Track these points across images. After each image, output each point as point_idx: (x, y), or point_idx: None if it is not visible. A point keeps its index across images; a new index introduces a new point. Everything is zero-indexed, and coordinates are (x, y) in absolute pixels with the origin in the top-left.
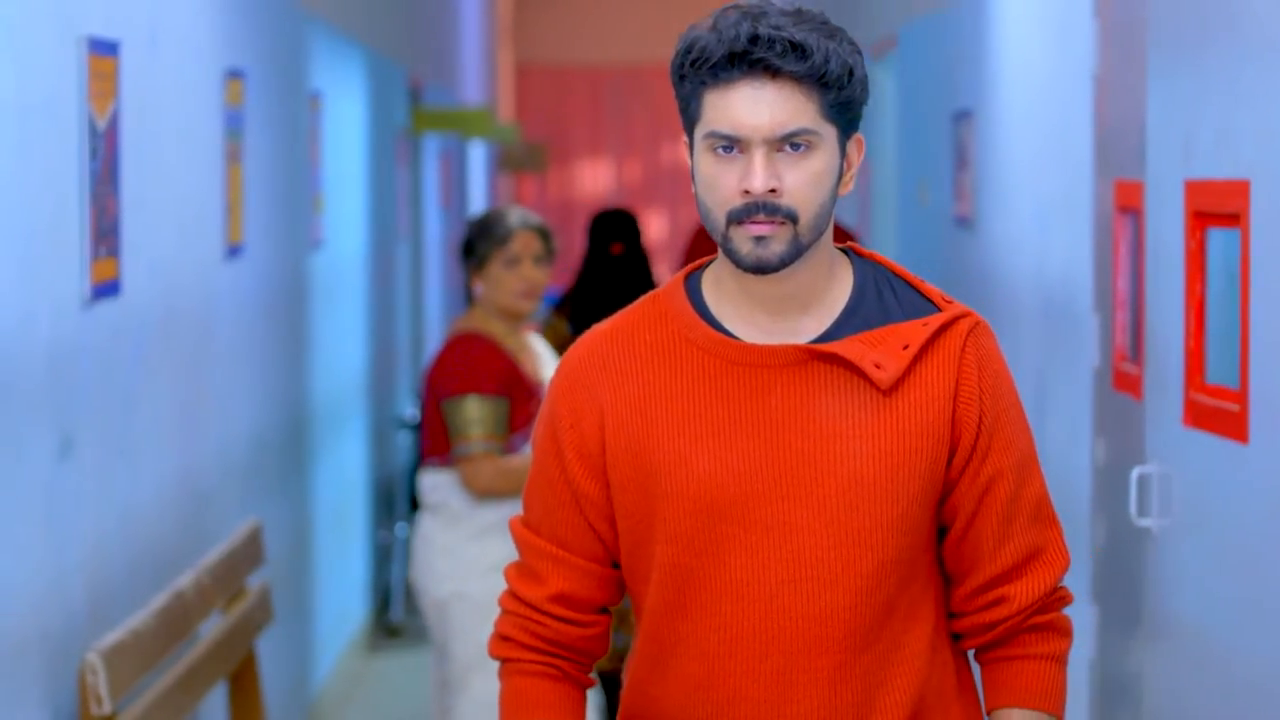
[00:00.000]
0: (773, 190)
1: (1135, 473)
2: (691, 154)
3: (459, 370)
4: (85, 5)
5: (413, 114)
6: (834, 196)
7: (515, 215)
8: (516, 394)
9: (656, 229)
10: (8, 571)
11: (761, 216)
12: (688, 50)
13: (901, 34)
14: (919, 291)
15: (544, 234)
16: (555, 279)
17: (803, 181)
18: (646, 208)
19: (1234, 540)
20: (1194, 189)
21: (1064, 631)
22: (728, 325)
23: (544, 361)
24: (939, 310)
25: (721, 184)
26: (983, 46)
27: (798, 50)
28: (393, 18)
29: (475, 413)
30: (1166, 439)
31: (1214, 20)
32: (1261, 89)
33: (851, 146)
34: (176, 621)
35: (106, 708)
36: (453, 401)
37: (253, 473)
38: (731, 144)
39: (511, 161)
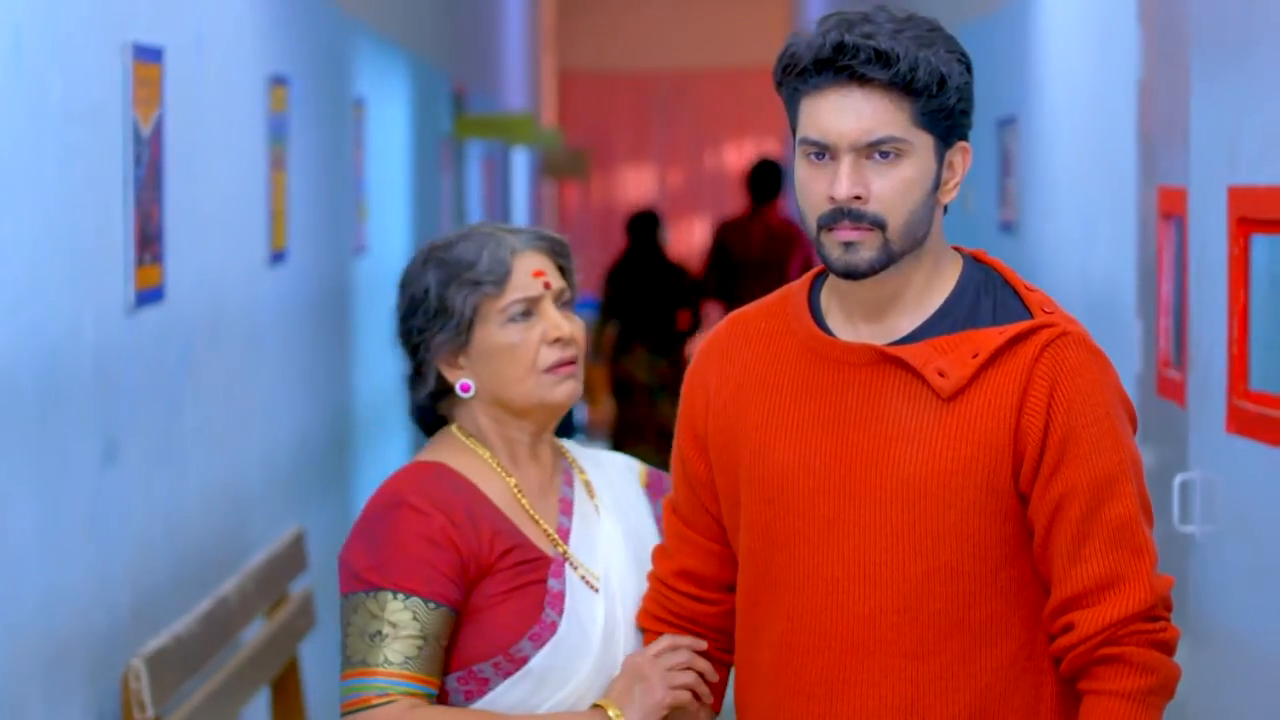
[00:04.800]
0: (858, 197)
1: (1178, 479)
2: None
3: (378, 543)
4: (130, 12)
5: (456, 120)
6: (930, 204)
7: (507, 235)
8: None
9: (699, 235)
10: (53, 576)
11: (847, 223)
12: (782, 57)
13: None
14: (1021, 300)
15: (559, 248)
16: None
17: (890, 189)
18: (690, 214)
19: (1277, 546)
20: (1238, 195)
21: (1142, 667)
22: (829, 321)
23: (585, 490)
24: (1030, 319)
25: (812, 190)
26: (1027, 53)
27: (882, 58)
28: (436, 24)
29: (387, 622)
30: (1210, 445)
31: (1258, 25)
32: None
33: (954, 154)
34: (219, 627)
35: (149, 713)
36: (356, 598)
37: (296, 479)
38: (823, 151)
39: (554, 168)
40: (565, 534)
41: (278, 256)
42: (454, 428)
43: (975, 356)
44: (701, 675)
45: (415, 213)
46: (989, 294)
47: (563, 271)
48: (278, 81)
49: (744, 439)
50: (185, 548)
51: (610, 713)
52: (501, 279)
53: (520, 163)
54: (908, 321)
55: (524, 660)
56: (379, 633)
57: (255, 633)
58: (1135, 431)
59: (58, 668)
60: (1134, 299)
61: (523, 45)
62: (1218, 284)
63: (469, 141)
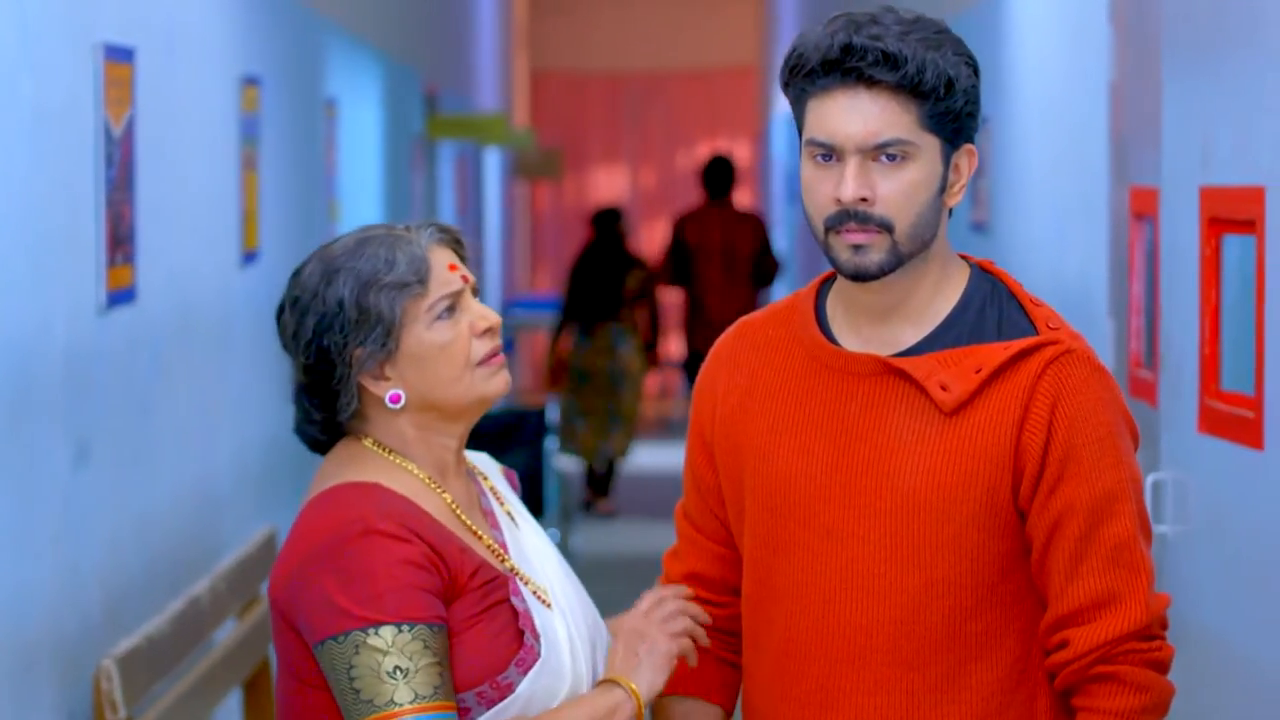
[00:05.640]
0: (864, 200)
1: (1150, 479)
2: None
3: (358, 575)
4: (101, 12)
5: (428, 120)
6: (936, 207)
7: (410, 234)
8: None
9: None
10: (24, 577)
11: (853, 225)
12: (789, 57)
13: None
14: (1026, 314)
15: (459, 238)
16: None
17: (897, 192)
18: (662, 213)
19: (1249, 547)
20: (1209, 195)
21: (1137, 686)
22: (835, 329)
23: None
24: (1035, 335)
25: (819, 192)
26: (999, 53)
27: (890, 60)
28: (408, 24)
29: (402, 655)
30: (1181, 445)
31: (1230, 26)
32: (1277, 95)
33: (960, 157)
34: (191, 628)
35: (121, 714)
36: (353, 637)
37: (267, 480)
38: (829, 152)
39: (527, 168)
40: (504, 547)
41: (249, 257)
42: (368, 442)
43: (978, 371)
44: (694, 620)
45: (387, 213)
46: (995, 307)
47: (463, 261)
48: (249, 82)
49: (748, 446)
50: (157, 548)
51: (622, 685)
52: (425, 278)
53: (492, 163)
54: (912, 332)
55: (510, 687)
56: (398, 668)
57: (227, 633)
58: (1138, 448)
59: (28, 669)
60: (1106, 299)
61: (495, 45)
62: (1189, 284)
63: (441, 142)
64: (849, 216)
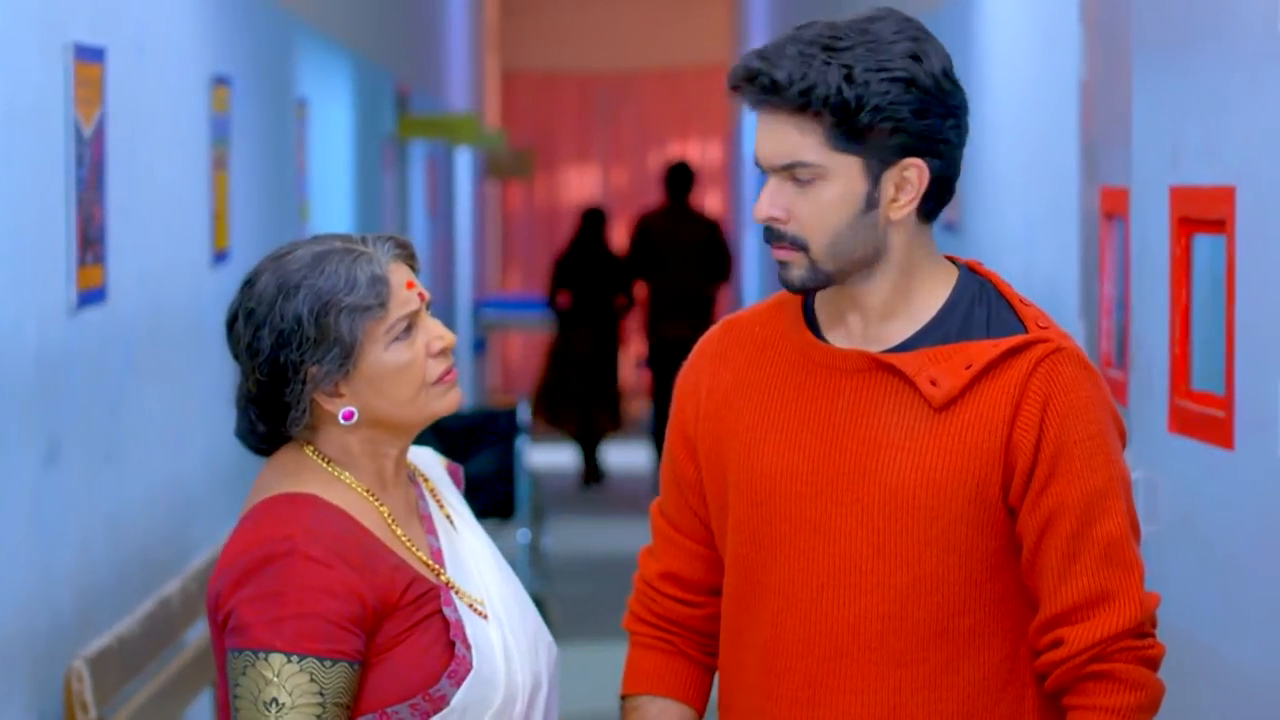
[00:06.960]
0: (776, 219)
1: None
2: None
3: (269, 595)
4: (71, 12)
5: (399, 120)
6: (866, 224)
7: (368, 250)
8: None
9: None
10: None
11: (774, 243)
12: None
13: None
14: (1015, 313)
15: (412, 252)
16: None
17: (809, 212)
18: (633, 213)
19: (1220, 546)
20: (1179, 195)
21: (1132, 684)
22: (823, 327)
23: (441, 510)
24: (1025, 333)
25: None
26: (969, 53)
27: (775, 86)
28: (380, 24)
29: (283, 689)
30: (1152, 445)
31: (1199, 26)
32: (1247, 95)
33: (899, 172)
34: (163, 628)
35: (92, 714)
36: (245, 657)
37: (239, 479)
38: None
39: (498, 168)
40: (439, 556)
41: (220, 257)
42: (309, 450)
43: (968, 368)
44: None
45: (358, 213)
46: (983, 306)
47: (416, 274)
48: (220, 82)
49: (733, 442)
50: (128, 548)
51: None
52: (386, 299)
53: (464, 163)
54: (901, 329)
55: (444, 700)
56: (275, 700)
57: (198, 634)
58: (1125, 447)
59: None
60: (1076, 299)
61: (466, 45)
62: (1160, 284)
63: (412, 142)
64: (769, 234)
